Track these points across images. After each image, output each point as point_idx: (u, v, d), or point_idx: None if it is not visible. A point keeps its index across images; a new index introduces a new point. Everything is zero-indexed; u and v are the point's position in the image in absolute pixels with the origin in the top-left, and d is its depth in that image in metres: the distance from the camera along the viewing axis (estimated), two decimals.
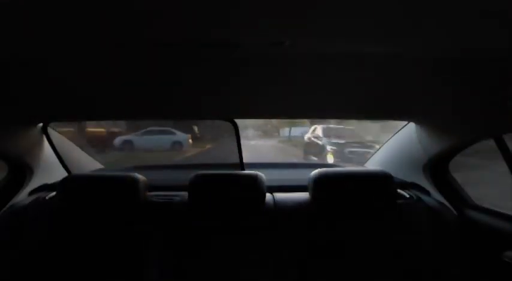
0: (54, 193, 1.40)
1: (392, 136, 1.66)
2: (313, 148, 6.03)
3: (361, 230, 1.27)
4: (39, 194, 1.47)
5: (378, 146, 1.87)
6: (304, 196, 1.38)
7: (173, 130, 5.91)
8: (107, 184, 1.32)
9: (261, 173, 1.35)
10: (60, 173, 1.59)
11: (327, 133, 5.87)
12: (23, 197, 1.47)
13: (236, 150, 1.64)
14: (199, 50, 0.72)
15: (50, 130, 1.56)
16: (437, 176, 1.47)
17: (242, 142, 1.63)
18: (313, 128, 6.45)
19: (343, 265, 1.24)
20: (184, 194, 1.34)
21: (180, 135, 5.93)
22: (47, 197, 1.42)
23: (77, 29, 0.62)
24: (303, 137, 7.07)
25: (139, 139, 5.78)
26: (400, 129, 1.58)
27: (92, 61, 0.79)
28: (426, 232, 1.28)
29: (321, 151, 5.57)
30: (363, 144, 5.20)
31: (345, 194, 1.27)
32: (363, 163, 1.90)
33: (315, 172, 1.32)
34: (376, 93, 1.06)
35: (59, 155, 1.63)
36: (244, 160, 1.67)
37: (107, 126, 5.50)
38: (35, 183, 1.51)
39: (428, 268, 1.22)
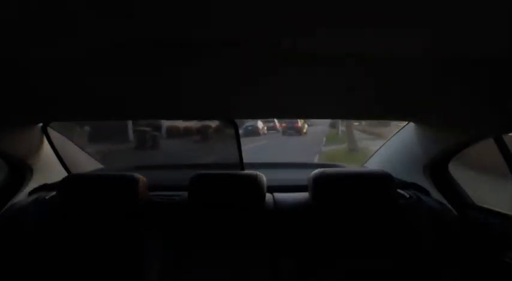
0: (54, 193, 1.40)
1: (393, 136, 1.66)
2: None
3: (361, 230, 1.27)
4: (39, 194, 1.47)
5: None
6: (304, 196, 1.38)
7: None
8: (107, 184, 1.32)
9: (261, 173, 1.35)
10: (60, 173, 1.59)
11: None
12: (23, 197, 1.47)
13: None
14: (199, 50, 0.72)
15: (50, 130, 1.56)
16: (437, 176, 1.47)
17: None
18: None
19: (343, 265, 1.24)
20: (185, 194, 1.34)
21: None
22: (47, 197, 1.42)
23: (76, 29, 0.62)
24: None
25: None
26: (400, 129, 1.58)
27: (91, 61, 0.79)
28: (426, 232, 1.27)
29: None
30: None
31: (345, 194, 1.27)
32: None
33: (315, 171, 1.32)
34: (376, 93, 1.06)
35: (59, 155, 1.62)
36: (244, 160, 1.67)
37: None
38: (35, 183, 1.51)
39: (429, 268, 1.22)
